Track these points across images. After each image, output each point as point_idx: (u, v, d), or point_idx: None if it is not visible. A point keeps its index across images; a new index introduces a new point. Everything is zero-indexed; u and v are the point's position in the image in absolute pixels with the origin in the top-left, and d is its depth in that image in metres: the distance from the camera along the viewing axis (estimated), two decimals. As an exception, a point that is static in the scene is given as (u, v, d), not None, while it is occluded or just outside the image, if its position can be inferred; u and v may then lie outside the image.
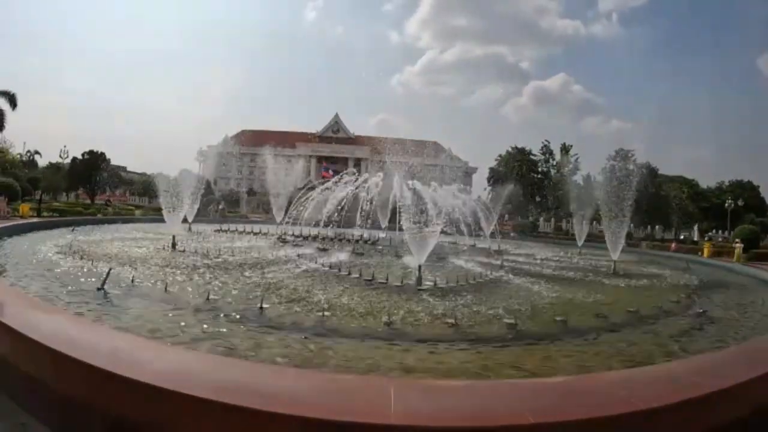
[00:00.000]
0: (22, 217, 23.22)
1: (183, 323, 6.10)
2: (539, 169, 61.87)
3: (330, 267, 10.88)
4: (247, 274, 10.02)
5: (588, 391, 3.24)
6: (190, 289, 8.29)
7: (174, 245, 13.58)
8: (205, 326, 6.03)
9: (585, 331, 6.72)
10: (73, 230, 17.39)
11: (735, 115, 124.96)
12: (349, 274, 10.09)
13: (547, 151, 60.95)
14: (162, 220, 16.83)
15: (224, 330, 5.92)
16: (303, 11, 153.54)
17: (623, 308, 8.35)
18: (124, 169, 70.09)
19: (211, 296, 7.46)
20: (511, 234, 41.29)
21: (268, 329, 6.00)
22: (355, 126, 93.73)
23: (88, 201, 41.86)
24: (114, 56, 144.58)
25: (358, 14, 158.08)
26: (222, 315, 6.57)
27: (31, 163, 46.69)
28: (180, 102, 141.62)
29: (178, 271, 10.08)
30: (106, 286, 7.71)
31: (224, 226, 22.15)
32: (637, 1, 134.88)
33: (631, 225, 54.72)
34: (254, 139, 70.36)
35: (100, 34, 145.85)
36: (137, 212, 37.31)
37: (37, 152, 51.44)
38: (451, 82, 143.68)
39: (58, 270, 9.51)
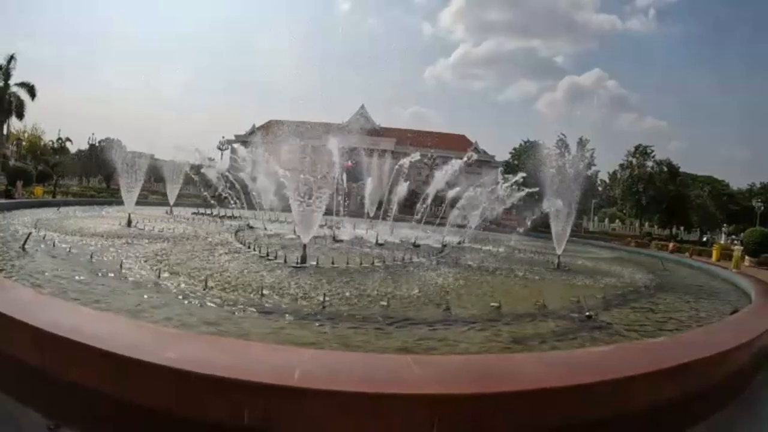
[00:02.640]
0: (35, 198, 25.39)
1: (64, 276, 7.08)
2: (554, 163, 60.04)
3: (243, 244, 11.36)
4: (157, 245, 10.89)
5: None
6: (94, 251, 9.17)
7: (129, 222, 14.53)
8: (77, 278, 6.99)
9: (420, 321, 6.22)
10: (58, 209, 18.80)
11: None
12: (250, 248, 10.57)
13: (562, 144, 58.95)
14: (158, 204, 18.24)
15: (93, 284, 6.77)
16: (336, 2, 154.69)
17: (506, 303, 7.79)
18: (150, 156, 73.36)
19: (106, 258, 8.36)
20: (518, 229, 40.48)
21: (131, 288, 6.77)
22: (388, 118, 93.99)
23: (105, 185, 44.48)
24: (144, 44, 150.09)
25: (391, 5, 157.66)
26: (100, 273, 7.46)
27: (62, 150, 49.87)
28: (211, 91, 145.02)
29: (106, 241, 11.19)
30: (26, 247, 9.01)
31: (204, 210, 23.12)
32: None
33: (647, 223, 52.87)
34: (282, 130, 71.55)
35: (129, 21, 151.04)
36: (151, 197, 39.29)
37: (68, 139, 54.91)
38: (484, 75, 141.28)
39: (2, 234, 10.78)
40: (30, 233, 9.67)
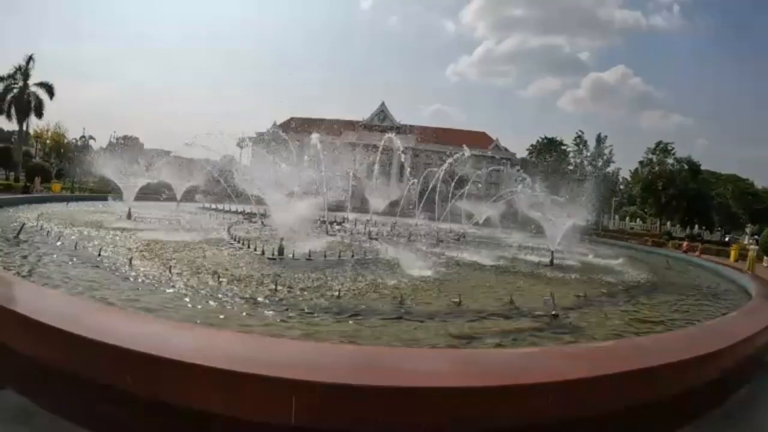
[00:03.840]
0: (53, 193, 26.41)
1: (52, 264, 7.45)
2: (571, 161, 58.90)
3: (234, 238, 11.59)
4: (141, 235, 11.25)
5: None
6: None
7: (129, 215, 15.00)
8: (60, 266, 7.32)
9: (370, 312, 6.22)
10: (67, 204, 19.57)
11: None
12: (237, 242, 10.75)
13: (580, 141, 57.70)
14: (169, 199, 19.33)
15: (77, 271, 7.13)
16: (357, 1, 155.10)
17: (477, 299, 7.76)
18: (168, 153, 75.17)
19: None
20: (531, 226, 39.94)
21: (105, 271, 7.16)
22: (410, 115, 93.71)
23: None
24: (166, 43, 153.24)
25: (413, 3, 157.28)
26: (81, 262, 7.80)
27: (85, 148, 51.50)
28: (232, 89, 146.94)
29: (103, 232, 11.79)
30: (21, 236, 9.62)
31: (211, 205, 23.67)
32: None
33: (668, 223, 51.24)
34: (302, 127, 72.20)
35: (153, 21, 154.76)
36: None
37: (91, 137, 56.68)
38: (507, 72, 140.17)
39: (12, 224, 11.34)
40: (24, 224, 10.23)
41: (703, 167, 50.72)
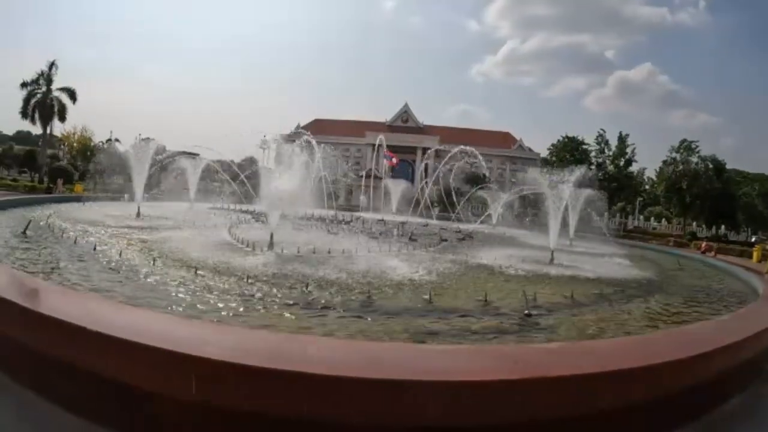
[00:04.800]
0: (74, 194, 27.54)
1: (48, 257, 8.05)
2: (593, 161, 57.48)
3: (230, 233, 11.95)
4: (144, 236, 11.63)
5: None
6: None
7: (138, 214, 15.58)
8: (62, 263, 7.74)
9: (335, 307, 6.24)
10: (83, 203, 20.41)
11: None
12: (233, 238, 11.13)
13: (602, 140, 56.15)
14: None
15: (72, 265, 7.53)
16: (380, 1, 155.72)
17: (453, 295, 7.74)
18: (195, 155, 76.94)
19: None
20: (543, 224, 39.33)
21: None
22: (433, 116, 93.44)
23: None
24: (190, 44, 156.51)
25: (436, 3, 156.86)
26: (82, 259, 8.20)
27: (110, 150, 53.06)
28: (257, 91, 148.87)
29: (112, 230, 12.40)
30: (29, 231, 10.24)
31: (223, 206, 24.25)
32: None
33: (694, 223, 49.59)
34: (326, 128, 72.99)
35: (179, 22, 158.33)
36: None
37: (117, 140, 58.57)
38: (531, 72, 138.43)
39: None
40: (30, 220, 10.89)
41: (730, 167, 48.97)
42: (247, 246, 10.24)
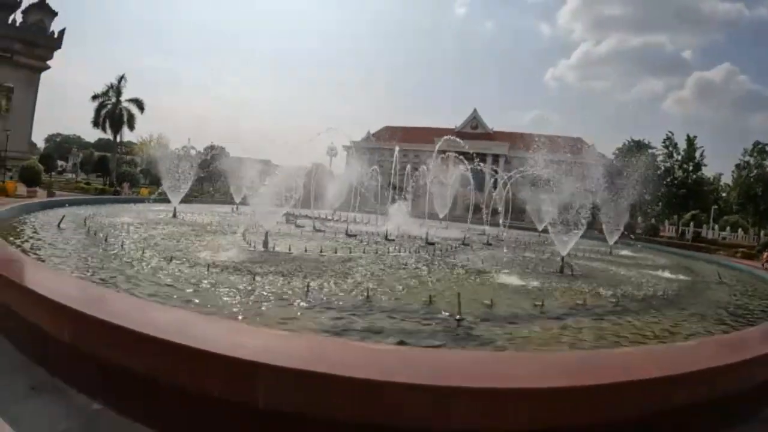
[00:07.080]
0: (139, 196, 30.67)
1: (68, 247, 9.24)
2: (660, 165, 53.54)
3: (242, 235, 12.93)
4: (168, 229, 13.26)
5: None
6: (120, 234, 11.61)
7: (175, 214, 17.13)
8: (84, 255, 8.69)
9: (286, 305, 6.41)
10: (134, 204, 22.81)
11: None
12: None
13: (670, 144, 52.17)
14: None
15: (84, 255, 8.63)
16: (452, 7, 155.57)
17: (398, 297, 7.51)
18: (267, 162, 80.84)
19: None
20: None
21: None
22: (505, 122, 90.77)
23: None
24: (258, 54, 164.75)
25: (508, 7, 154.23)
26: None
27: (185, 157, 57.81)
28: (324, 99, 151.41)
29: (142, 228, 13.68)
30: (62, 225, 11.93)
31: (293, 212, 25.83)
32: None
33: (740, 231, 44.70)
34: (396, 135, 72.78)
35: (246, 33, 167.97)
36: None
37: (192, 147, 63.29)
38: (606, 75, 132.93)
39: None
40: (64, 215, 12.79)
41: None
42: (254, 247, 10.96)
